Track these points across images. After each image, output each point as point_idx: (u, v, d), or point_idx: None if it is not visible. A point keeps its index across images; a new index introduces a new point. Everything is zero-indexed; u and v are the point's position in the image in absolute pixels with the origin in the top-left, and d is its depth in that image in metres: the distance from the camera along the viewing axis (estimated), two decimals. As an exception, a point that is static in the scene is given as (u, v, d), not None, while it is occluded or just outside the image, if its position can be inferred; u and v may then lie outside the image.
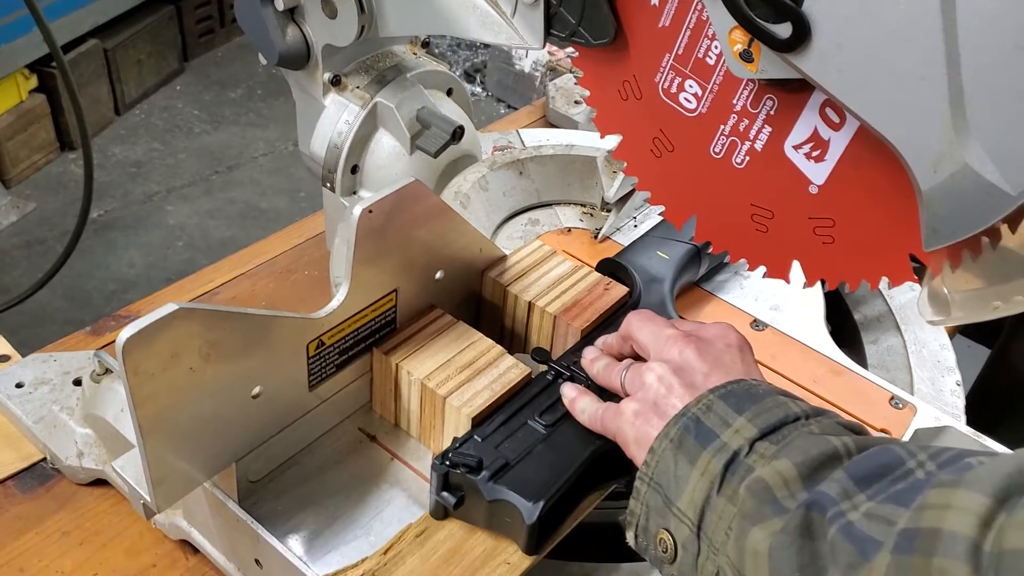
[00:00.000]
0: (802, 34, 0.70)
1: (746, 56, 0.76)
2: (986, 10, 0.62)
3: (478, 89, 3.74)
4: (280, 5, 1.02)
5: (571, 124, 1.47)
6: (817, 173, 0.82)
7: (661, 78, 0.86)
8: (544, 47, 0.89)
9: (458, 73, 3.72)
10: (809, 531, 0.58)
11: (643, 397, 0.73)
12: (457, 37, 0.93)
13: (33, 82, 3.05)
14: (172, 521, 0.88)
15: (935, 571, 0.50)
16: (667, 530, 0.67)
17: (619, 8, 0.83)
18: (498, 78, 3.65)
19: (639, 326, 0.80)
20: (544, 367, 0.85)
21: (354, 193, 1.13)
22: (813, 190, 0.83)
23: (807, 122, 0.80)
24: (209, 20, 3.79)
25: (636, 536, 0.71)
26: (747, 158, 0.85)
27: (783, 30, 0.70)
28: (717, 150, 0.86)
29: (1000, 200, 0.66)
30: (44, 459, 0.97)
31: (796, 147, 0.83)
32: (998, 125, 0.65)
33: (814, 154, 0.82)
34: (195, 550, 0.89)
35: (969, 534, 0.49)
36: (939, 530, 0.50)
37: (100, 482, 0.95)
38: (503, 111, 3.59)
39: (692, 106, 0.86)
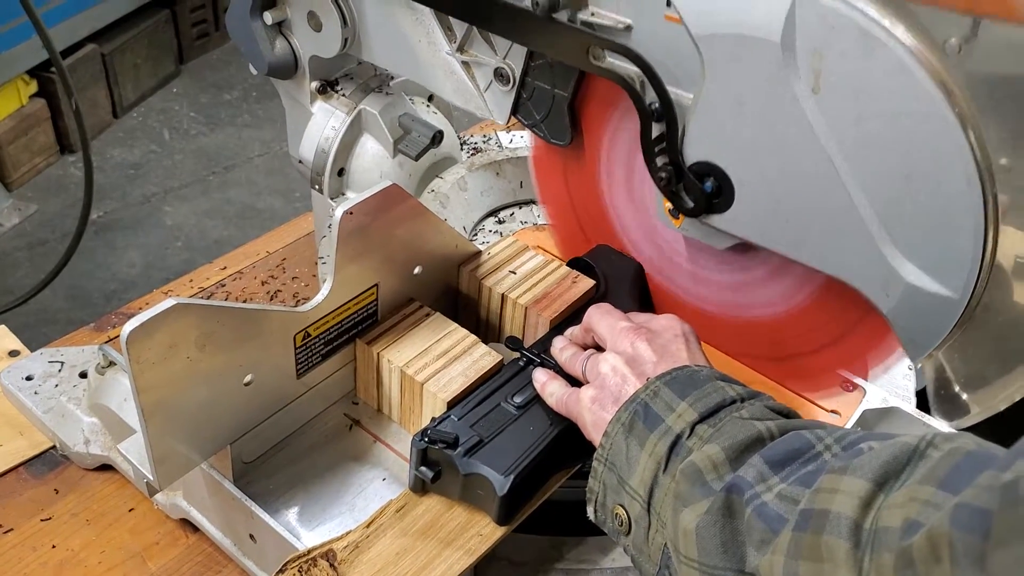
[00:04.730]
0: (713, 207, 0.83)
1: (674, 213, 0.87)
2: (871, 156, 0.72)
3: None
4: (268, 19, 1.08)
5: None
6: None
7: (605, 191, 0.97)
8: (507, 124, 0.97)
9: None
10: (730, 511, 0.65)
11: (600, 385, 0.80)
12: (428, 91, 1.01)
13: (33, 87, 3.09)
14: (173, 501, 0.94)
15: (823, 547, 0.57)
16: (622, 506, 0.73)
17: (581, 122, 0.91)
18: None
19: (598, 319, 0.86)
20: (517, 354, 0.91)
21: (342, 194, 1.19)
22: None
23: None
24: (204, 24, 3.82)
25: (596, 511, 0.77)
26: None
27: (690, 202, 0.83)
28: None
29: (950, 306, 0.75)
30: (53, 447, 1.03)
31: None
32: (918, 243, 0.74)
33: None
34: (194, 528, 0.95)
35: (851, 515, 0.56)
36: (828, 511, 0.58)
37: (105, 467, 1.01)
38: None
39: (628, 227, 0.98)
